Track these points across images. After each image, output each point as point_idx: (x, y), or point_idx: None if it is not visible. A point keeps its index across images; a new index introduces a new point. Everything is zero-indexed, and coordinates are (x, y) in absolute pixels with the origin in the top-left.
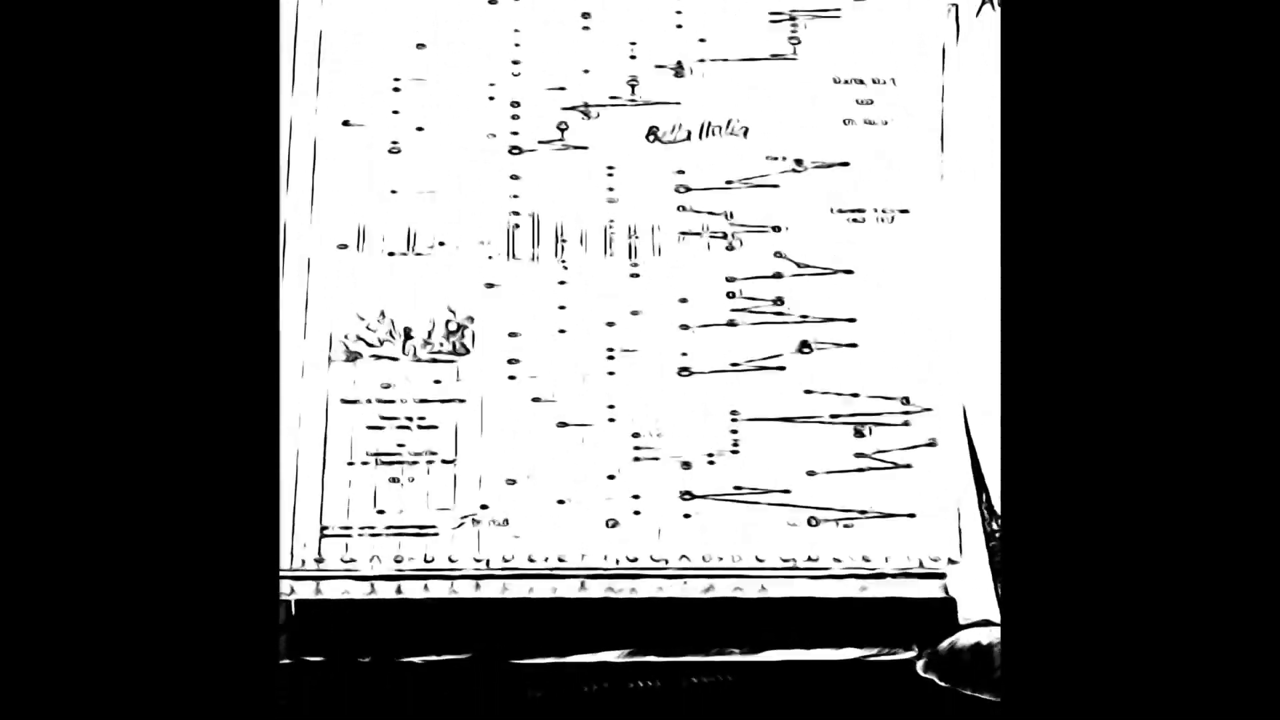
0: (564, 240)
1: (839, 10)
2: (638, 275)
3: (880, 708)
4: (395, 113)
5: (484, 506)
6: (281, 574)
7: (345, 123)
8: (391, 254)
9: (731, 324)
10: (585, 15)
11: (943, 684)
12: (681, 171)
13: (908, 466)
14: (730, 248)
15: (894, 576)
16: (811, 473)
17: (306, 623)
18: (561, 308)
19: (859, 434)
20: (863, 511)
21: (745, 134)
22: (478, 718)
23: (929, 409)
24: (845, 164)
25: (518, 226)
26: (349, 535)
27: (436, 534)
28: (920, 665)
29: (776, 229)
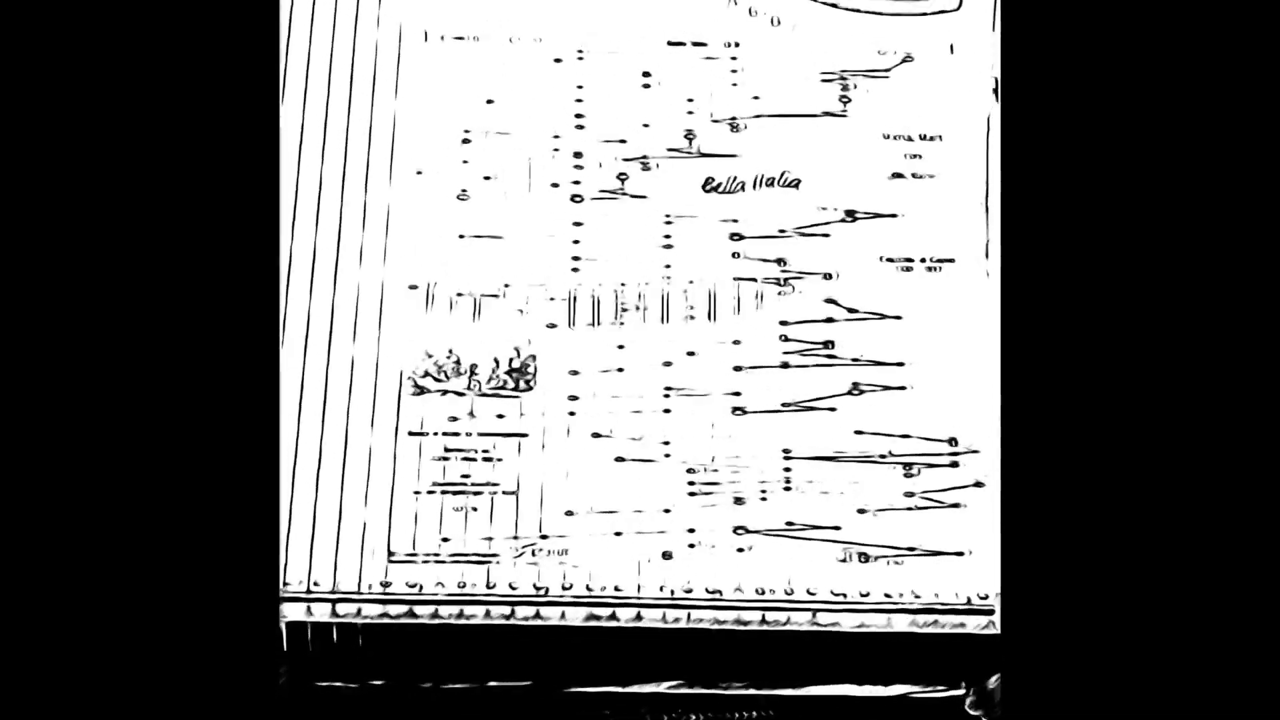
0: (623, 284)
1: (888, 71)
2: (693, 318)
3: None
4: (465, 163)
5: (544, 536)
6: (352, 597)
7: (418, 172)
8: (460, 294)
9: (784, 365)
10: (646, 74)
11: None
12: (736, 220)
13: (955, 506)
14: (782, 293)
15: (943, 612)
16: (862, 510)
17: (372, 646)
18: (620, 347)
19: (908, 474)
20: (912, 549)
21: (797, 186)
22: None
23: (976, 451)
24: (894, 215)
25: (578, 270)
26: (414, 561)
27: (498, 562)
28: (969, 703)
29: (828, 276)
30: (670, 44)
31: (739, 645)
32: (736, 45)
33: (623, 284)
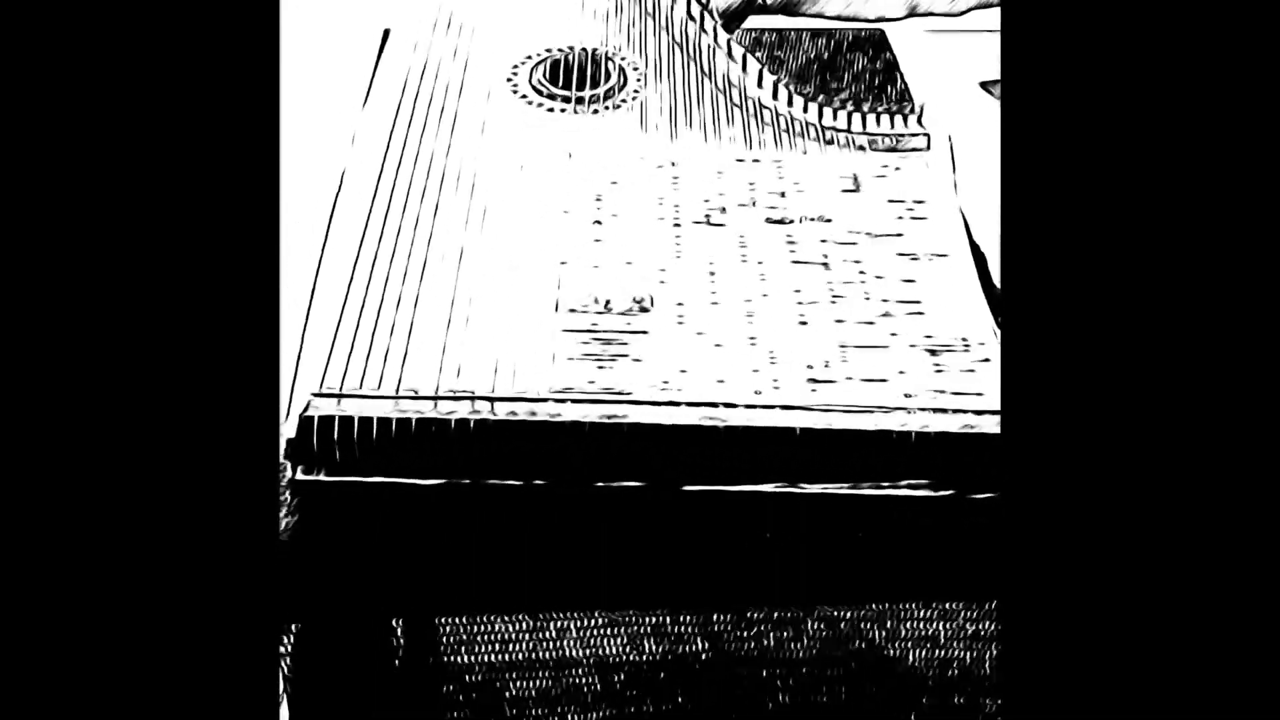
0: (711, 261)
1: (884, 176)
2: (765, 280)
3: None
4: (598, 206)
5: (665, 382)
6: (522, 397)
7: (565, 211)
8: (596, 267)
9: (833, 301)
10: (719, 172)
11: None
12: (791, 236)
13: (973, 371)
14: (828, 267)
15: (967, 412)
16: (903, 372)
17: (530, 443)
18: (713, 292)
19: (934, 355)
20: (942, 390)
21: (831, 221)
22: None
23: (982, 343)
24: (900, 234)
25: (679, 257)
26: (569, 395)
27: (632, 394)
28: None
29: (859, 263)
30: (737, 160)
31: (820, 443)
32: (780, 163)
33: (712, 261)
